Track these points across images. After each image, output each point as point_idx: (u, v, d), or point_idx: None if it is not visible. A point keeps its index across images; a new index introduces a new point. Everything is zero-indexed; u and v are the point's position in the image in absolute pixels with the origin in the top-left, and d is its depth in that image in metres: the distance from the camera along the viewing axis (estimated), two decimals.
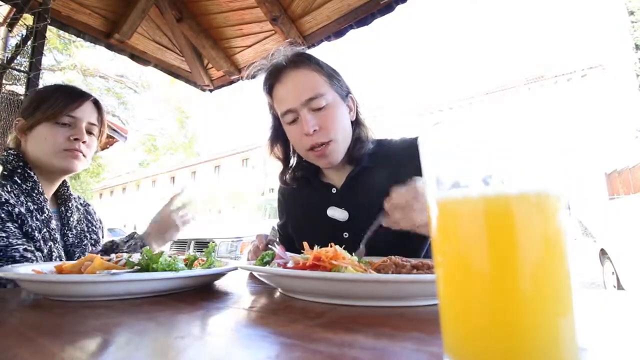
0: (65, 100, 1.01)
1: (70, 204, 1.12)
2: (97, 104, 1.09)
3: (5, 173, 0.98)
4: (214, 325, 0.43)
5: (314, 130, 0.92)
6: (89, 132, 1.06)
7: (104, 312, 0.47)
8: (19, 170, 0.97)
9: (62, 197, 1.11)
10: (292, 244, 1.12)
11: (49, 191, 1.07)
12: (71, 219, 1.10)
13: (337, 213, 0.97)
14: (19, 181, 0.96)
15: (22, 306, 0.55)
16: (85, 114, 1.05)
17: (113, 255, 0.70)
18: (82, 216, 1.17)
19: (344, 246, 0.64)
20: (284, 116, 0.97)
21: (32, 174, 0.98)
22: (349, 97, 1.02)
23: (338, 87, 0.99)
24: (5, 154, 1.01)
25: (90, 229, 1.17)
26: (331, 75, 0.99)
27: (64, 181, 1.13)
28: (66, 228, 1.07)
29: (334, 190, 1.05)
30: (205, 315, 0.46)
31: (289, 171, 1.14)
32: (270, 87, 1.01)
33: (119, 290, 0.55)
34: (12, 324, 0.42)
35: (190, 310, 0.48)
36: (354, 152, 1.01)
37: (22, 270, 0.63)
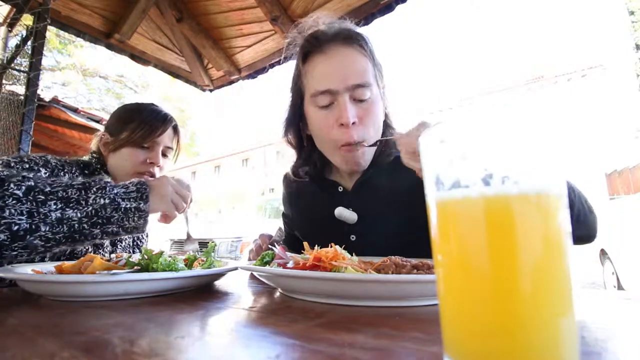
0: (151, 126, 1.06)
1: None
2: (175, 128, 1.15)
3: (87, 172, 1.04)
4: (214, 325, 0.43)
5: (353, 123, 0.79)
6: (164, 155, 1.12)
7: (104, 312, 0.47)
8: (96, 173, 1.06)
9: None
10: (295, 243, 1.08)
11: None
12: None
13: (345, 214, 0.89)
14: None
15: (22, 306, 0.55)
16: (165, 138, 1.10)
17: (113, 256, 0.71)
18: None
19: (344, 246, 0.63)
20: (318, 96, 0.82)
21: (108, 179, 1.05)
22: (385, 94, 0.91)
23: (381, 82, 0.88)
24: (89, 157, 1.10)
25: (135, 243, 1.19)
26: (379, 67, 0.87)
27: None
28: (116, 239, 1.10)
29: (340, 189, 0.96)
30: (205, 315, 0.46)
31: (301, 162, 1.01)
32: (307, 54, 0.86)
33: (119, 290, 0.55)
34: (12, 324, 0.42)
35: (190, 310, 0.48)
36: (380, 157, 0.91)
37: (22, 270, 0.63)
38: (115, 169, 1.07)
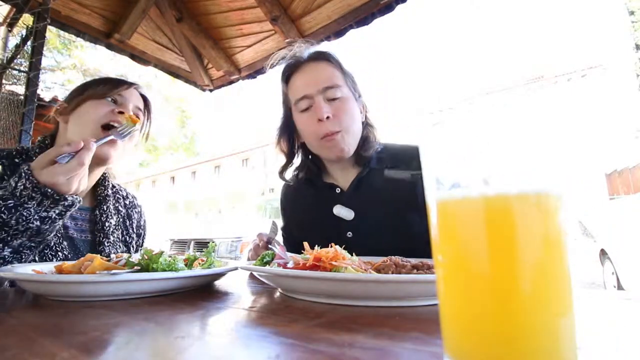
0: (114, 82, 0.97)
1: (106, 206, 1.01)
2: (144, 97, 1.05)
3: (17, 160, 0.89)
4: (214, 325, 0.43)
5: (327, 117, 0.94)
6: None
7: (104, 312, 0.47)
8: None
9: (97, 198, 1.02)
10: (295, 245, 1.11)
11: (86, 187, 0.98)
12: (106, 224, 0.99)
13: (343, 211, 0.98)
14: None
15: (22, 306, 0.55)
16: (133, 97, 0.99)
17: (113, 256, 0.70)
18: (120, 220, 1.06)
19: (344, 246, 0.64)
20: (299, 102, 0.99)
21: None
22: (360, 100, 1.06)
23: (352, 87, 1.03)
24: (36, 143, 0.96)
25: (123, 238, 1.05)
26: (348, 75, 1.03)
27: (104, 177, 1.05)
28: (102, 235, 0.97)
29: (338, 190, 1.06)
30: (205, 315, 0.46)
31: (292, 169, 1.15)
32: (288, 76, 1.04)
33: (119, 290, 0.55)
34: (12, 324, 0.42)
35: (190, 310, 0.48)
36: (362, 152, 1.03)
37: (22, 270, 0.63)
38: (74, 133, 0.91)
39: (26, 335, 0.37)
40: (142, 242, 1.15)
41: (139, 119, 0.98)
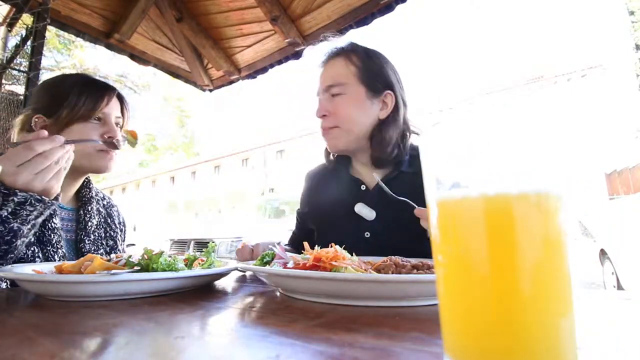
0: (92, 97, 0.94)
1: (90, 207, 1.04)
2: (119, 95, 1.03)
3: None
4: (214, 325, 0.43)
5: (323, 115, 1.00)
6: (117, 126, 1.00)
7: (104, 312, 0.47)
8: None
9: (82, 199, 1.04)
10: (305, 238, 1.06)
11: (70, 190, 1.01)
12: (89, 223, 1.02)
13: (365, 210, 0.97)
14: None
15: (22, 306, 0.55)
16: (113, 109, 0.99)
17: (113, 255, 0.70)
18: (102, 220, 1.09)
19: (344, 246, 0.64)
20: (317, 97, 1.06)
21: None
22: (386, 94, 1.00)
23: (370, 82, 0.99)
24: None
25: (107, 234, 1.09)
26: (367, 68, 1.00)
27: (87, 180, 1.06)
28: (83, 234, 1.00)
29: (363, 187, 1.04)
30: (205, 315, 0.46)
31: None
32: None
33: (119, 290, 0.55)
34: (12, 324, 0.42)
35: (190, 310, 0.48)
36: (374, 152, 1.00)
37: (22, 270, 0.63)
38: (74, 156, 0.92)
39: (26, 335, 0.37)
40: (124, 235, 1.20)
41: (136, 133, 1.00)
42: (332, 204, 1.07)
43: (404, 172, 0.99)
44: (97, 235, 1.04)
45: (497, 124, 0.24)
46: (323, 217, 1.10)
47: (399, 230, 0.93)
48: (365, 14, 1.94)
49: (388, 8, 1.87)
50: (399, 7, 1.84)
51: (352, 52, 1.02)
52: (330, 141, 1.02)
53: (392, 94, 1.01)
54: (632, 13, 13.27)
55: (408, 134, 1.03)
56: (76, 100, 0.92)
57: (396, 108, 1.01)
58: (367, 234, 0.97)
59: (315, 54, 1.09)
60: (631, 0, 13.24)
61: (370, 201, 0.98)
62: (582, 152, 12.68)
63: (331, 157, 1.14)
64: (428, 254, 0.84)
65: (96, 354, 0.32)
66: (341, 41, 1.07)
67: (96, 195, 1.10)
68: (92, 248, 1.01)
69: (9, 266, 0.67)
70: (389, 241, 0.93)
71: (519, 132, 0.24)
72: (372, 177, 1.03)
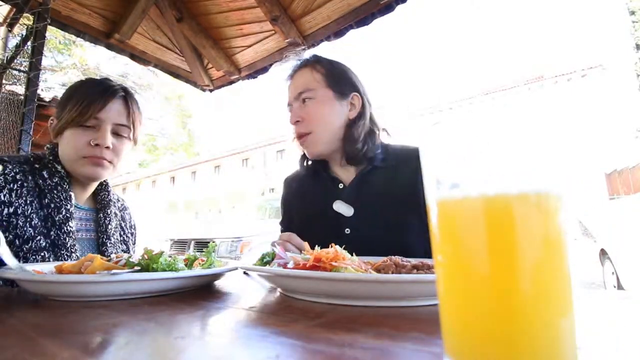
0: (89, 99, 0.92)
1: (109, 211, 1.04)
2: (126, 99, 0.97)
3: (37, 166, 0.93)
4: (214, 325, 0.43)
5: (296, 122, 1.04)
6: (118, 134, 0.96)
7: (104, 312, 0.47)
8: (49, 165, 0.93)
9: (101, 202, 1.04)
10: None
11: (84, 192, 1.02)
12: (109, 226, 1.03)
13: (343, 207, 1.00)
14: (46, 175, 0.91)
15: (22, 306, 0.55)
16: (111, 114, 0.93)
17: (113, 256, 0.70)
18: (117, 223, 1.10)
19: (344, 246, 0.64)
20: (288, 108, 1.10)
21: (59, 168, 0.93)
22: (352, 96, 1.06)
23: (337, 86, 1.05)
24: (46, 148, 0.98)
25: (121, 238, 1.09)
26: (331, 74, 1.06)
27: (105, 183, 1.07)
28: (104, 237, 1.00)
29: (341, 186, 1.07)
30: (205, 315, 0.46)
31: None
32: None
33: (119, 290, 0.55)
34: (12, 324, 0.42)
35: (190, 310, 0.48)
36: (347, 149, 1.04)
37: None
38: (63, 156, 0.94)
39: (26, 335, 0.37)
40: (135, 239, 1.21)
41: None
42: (312, 204, 1.11)
43: (377, 166, 1.04)
44: (115, 238, 1.06)
45: (497, 124, 0.24)
46: (304, 218, 1.12)
47: (377, 224, 0.97)
48: (365, 14, 1.94)
49: (388, 8, 1.87)
50: (399, 7, 1.84)
51: (316, 62, 1.08)
52: (307, 148, 1.06)
53: (359, 95, 1.07)
54: (632, 13, 13.26)
55: (376, 130, 1.08)
56: (73, 105, 0.92)
57: (363, 108, 1.07)
58: (348, 230, 1.00)
59: (281, 70, 1.15)
60: (631, 0, 13.24)
61: (348, 198, 1.02)
62: (582, 152, 12.68)
63: (306, 162, 1.18)
64: (408, 245, 0.86)
65: (96, 354, 0.32)
66: (305, 55, 1.14)
67: (111, 200, 1.11)
68: (113, 250, 1.02)
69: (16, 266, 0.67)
70: (369, 236, 0.95)
71: (519, 132, 0.24)
72: (348, 174, 1.08)
